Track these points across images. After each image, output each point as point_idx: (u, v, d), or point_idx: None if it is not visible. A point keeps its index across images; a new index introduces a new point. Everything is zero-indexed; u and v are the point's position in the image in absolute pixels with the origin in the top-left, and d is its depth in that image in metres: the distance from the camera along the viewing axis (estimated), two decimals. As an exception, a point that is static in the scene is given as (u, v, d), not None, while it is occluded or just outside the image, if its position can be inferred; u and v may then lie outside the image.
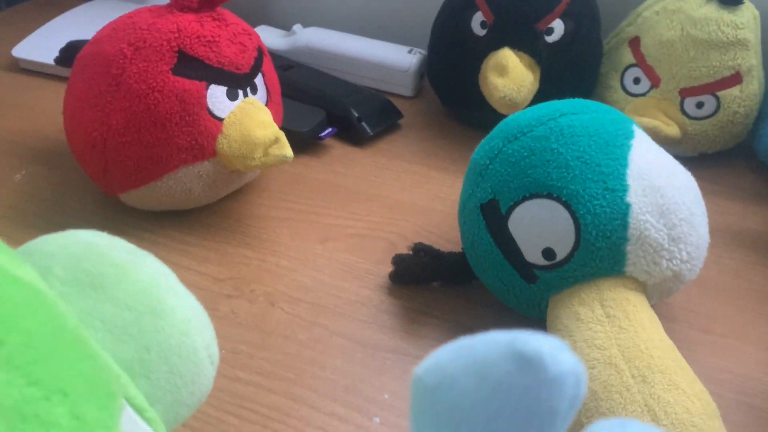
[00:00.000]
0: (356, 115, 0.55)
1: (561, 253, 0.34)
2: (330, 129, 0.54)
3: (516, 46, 0.51)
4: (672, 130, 0.52)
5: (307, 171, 0.52)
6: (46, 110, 0.57)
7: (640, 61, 0.53)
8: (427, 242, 0.45)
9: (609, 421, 0.17)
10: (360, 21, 0.69)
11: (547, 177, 0.34)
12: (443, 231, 0.47)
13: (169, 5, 0.42)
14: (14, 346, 0.15)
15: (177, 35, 0.40)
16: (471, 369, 0.15)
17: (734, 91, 0.52)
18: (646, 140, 0.36)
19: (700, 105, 0.52)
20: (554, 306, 0.35)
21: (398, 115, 0.58)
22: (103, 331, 0.22)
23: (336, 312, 0.40)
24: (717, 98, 0.52)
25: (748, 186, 0.54)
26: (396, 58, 0.62)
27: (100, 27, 0.43)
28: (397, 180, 0.52)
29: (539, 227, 0.35)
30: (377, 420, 0.34)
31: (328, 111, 0.55)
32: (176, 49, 0.40)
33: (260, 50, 0.44)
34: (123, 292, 0.22)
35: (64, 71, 0.52)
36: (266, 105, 0.44)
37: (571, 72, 0.53)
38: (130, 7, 0.69)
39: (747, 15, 0.51)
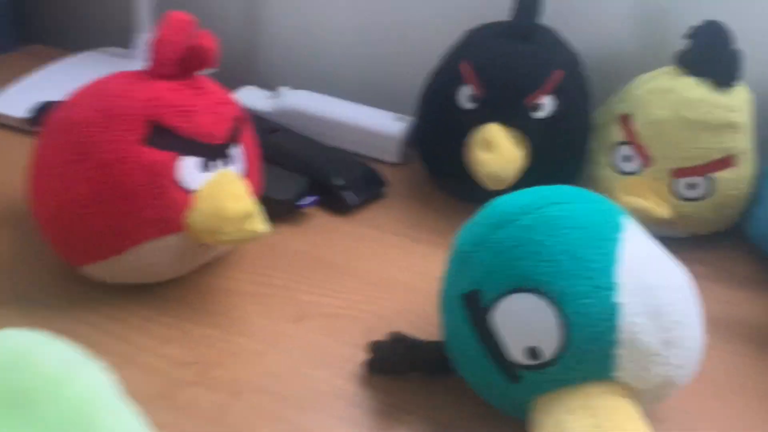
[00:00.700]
0: (339, 184, 0.54)
1: (546, 354, 0.32)
2: (312, 197, 0.52)
3: (504, 122, 0.50)
4: (663, 211, 0.50)
5: (284, 241, 0.50)
6: (16, 165, 0.54)
7: (631, 139, 0.52)
8: (408, 324, 0.43)
9: None
10: (347, 85, 0.68)
11: (533, 271, 0.32)
12: (426, 312, 0.44)
13: (145, 71, 0.40)
14: None
15: (150, 104, 0.38)
16: None
17: (727, 173, 0.50)
18: (637, 233, 0.35)
19: (692, 186, 0.51)
20: (539, 410, 0.33)
21: (383, 183, 0.56)
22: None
23: (305, 405, 0.37)
24: (709, 180, 0.51)
25: (739, 271, 0.53)
26: (383, 124, 0.61)
27: (81, 83, 0.41)
28: (379, 253, 0.50)
29: (523, 324, 0.33)
30: None
31: (311, 178, 0.53)
32: (148, 119, 0.38)
33: (239, 119, 0.42)
34: (53, 411, 0.20)
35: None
36: (244, 176, 0.42)
37: (560, 148, 0.52)
38: (115, 62, 0.69)
39: (740, 98, 0.50)
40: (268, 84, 0.66)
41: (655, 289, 0.32)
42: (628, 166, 0.52)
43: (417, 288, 0.46)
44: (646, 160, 0.51)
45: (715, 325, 0.46)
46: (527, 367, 0.33)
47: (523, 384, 0.33)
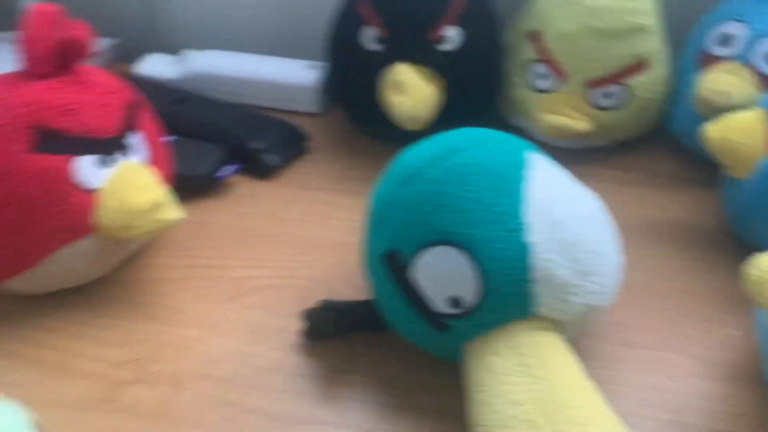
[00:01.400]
0: (258, 147, 0.52)
1: (468, 301, 0.32)
2: (232, 166, 0.51)
3: (412, 60, 0.48)
4: (582, 125, 0.50)
5: (208, 217, 0.48)
6: None
7: (544, 56, 0.51)
8: (343, 282, 0.43)
9: None
10: (256, 38, 0.65)
11: (444, 223, 0.32)
12: (360, 268, 0.44)
13: (21, 73, 0.38)
14: None
15: (31, 110, 0.36)
16: None
17: (642, 77, 0.50)
18: (544, 167, 0.34)
19: (608, 95, 0.51)
20: (468, 355, 0.34)
21: (304, 138, 0.55)
22: None
23: (248, 384, 0.37)
24: (625, 87, 0.50)
25: (665, 171, 0.53)
26: (296, 75, 0.59)
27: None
28: (307, 213, 0.49)
29: (442, 276, 0.33)
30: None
31: (228, 146, 0.52)
32: (32, 125, 0.36)
33: (131, 106, 0.41)
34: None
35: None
36: (149, 163, 0.41)
37: (474, 78, 0.51)
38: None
39: (645, 0, 0.49)
40: (174, 49, 0.63)
41: (564, 222, 0.32)
42: (544, 84, 0.52)
43: (348, 243, 0.46)
44: (561, 75, 0.51)
45: (643, 231, 0.48)
46: (452, 316, 0.33)
47: (453, 333, 0.34)
